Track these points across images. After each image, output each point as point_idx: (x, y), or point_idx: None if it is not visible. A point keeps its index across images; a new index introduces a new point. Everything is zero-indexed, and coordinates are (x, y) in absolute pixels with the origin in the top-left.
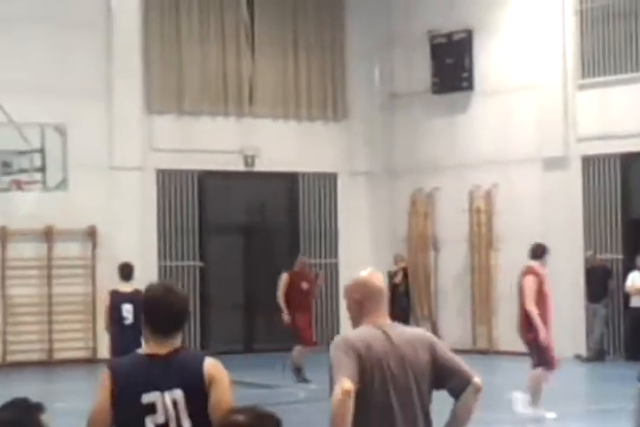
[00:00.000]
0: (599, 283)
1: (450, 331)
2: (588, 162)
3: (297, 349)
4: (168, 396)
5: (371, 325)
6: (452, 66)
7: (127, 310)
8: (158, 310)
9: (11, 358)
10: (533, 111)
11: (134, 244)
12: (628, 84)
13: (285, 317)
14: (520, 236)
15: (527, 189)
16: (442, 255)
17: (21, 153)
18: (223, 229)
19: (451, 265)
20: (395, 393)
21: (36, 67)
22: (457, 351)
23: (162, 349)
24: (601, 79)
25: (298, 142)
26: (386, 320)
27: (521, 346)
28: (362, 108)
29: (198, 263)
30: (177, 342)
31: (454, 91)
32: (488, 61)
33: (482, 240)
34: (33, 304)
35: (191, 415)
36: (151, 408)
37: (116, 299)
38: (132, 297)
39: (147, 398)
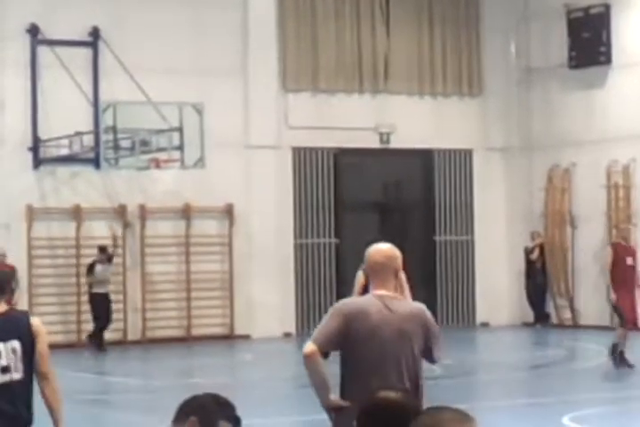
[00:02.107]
0: None
1: (587, 308)
2: None
3: (619, 330)
4: (9, 345)
5: (373, 295)
6: (589, 40)
7: None
8: None
9: (150, 334)
10: None
11: (270, 221)
12: None
13: (612, 295)
14: None
15: None
16: (579, 231)
17: (160, 132)
18: (358, 207)
19: (588, 241)
20: (388, 358)
21: (173, 46)
22: (596, 328)
23: None
24: None
25: (433, 119)
26: (388, 292)
27: None
28: (497, 83)
29: (334, 240)
30: (3, 303)
31: (591, 65)
32: (626, 35)
33: (620, 215)
34: (171, 281)
35: (24, 360)
36: None
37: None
38: None
39: None
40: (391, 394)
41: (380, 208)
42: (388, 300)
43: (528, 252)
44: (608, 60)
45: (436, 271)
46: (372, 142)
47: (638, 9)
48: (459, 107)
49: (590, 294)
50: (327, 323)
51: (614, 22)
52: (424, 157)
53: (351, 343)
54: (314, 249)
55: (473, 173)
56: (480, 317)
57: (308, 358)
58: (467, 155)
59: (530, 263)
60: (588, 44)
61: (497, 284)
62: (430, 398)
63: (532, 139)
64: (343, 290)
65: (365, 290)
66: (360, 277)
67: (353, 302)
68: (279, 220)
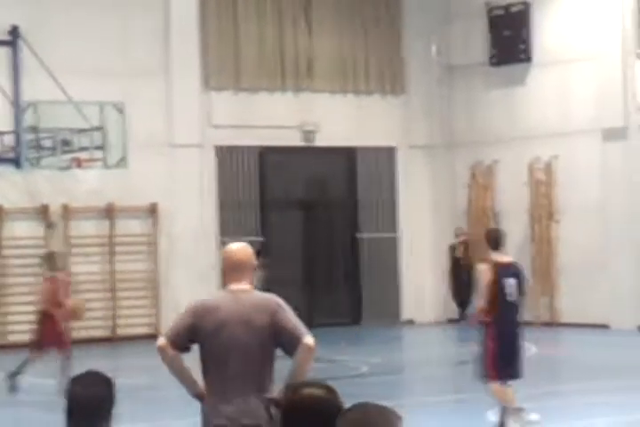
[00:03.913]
0: None
1: None
2: None
3: None
4: None
5: (227, 290)
6: (509, 38)
7: (510, 285)
8: None
9: (74, 334)
10: (592, 82)
11: (195, 220)
12: None
13: None
14: (580, 207)
15: (587, 159)
16: (502, 228)
17: (81, 131)
18: (283, 205)
19: (511, 237)
20: (234, 350)
21: (94, 46)
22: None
23: None
24: None
25: (356, 117)
26: (243, 286)
27: (583, 318)
28: (420, 81)
29: (259, 239)
30: None
31: (512, 63)
32: (546, 33)
33: (542, 212)
34: (96, 281)
35: None
36: None
37: (499, 271)
38: (513, 269)
39: None
40: (316, 390)
41: (304, 206)
42: (239, 293)
43: (452, 249)
44: (528, 58)
45: (360, 269)
46: (296, 140)
47: (557, 6)
48: (381, 105)
49: None
50: (179, 319)
51: (534, 20)
52: (348, 155)
53: (202, 337)
54: None
55: (396, 171)
56: (405, 314)
57: (159, 352)
58: (390, 152)
59: (454, 260)
60: (509, 41)
61: (422, 281)
62: (358, 395)
63: (455, 136)
64: (268, 287)
65: (495, 285)
66: (486, 271)
67: (207, 298)
68: (203, 219)
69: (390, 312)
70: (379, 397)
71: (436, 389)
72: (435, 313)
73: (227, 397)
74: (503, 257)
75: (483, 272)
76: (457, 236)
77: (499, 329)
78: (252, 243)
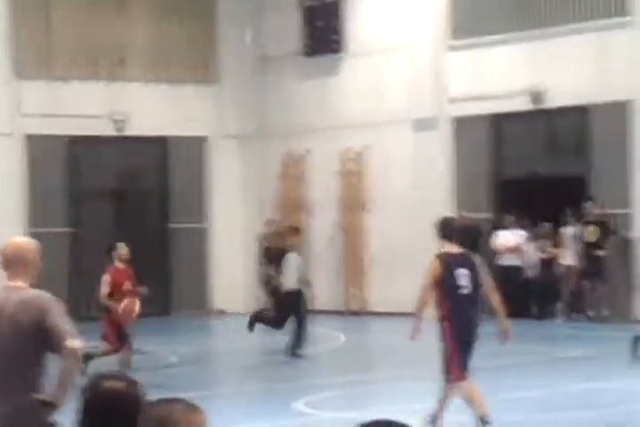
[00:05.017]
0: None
1: (322, 293)
2: (459, 123)
3: None
4: None
5: (3, 287)
6: (322, 28)
7: (462, 277)
8: None
9: None
10: (404, 73)
11: (2, 210)
12: (499, 45)
13: None
14: (391, 197)
15: (398, 150)
16: (314, 218)
17: None
18: (94, 195)
19: (323, 227)
20: (2, 349)
21: None
22: (330, 313)
23: None
24: (471, 40)
25: (169, 106)
26: (17, 283)
27: (391, 307)
28: (233, 71)
29: (69, 229)
30: None
31: (325, 53)
32: (358, 24)
33: (353, 202)
34: None
35: None
36: None
37: (450, 262)
38: (466, 260)
39: None
40: (116, 383)
41: (115, 196)
42: (12, 290)
43: (262, 239)
44: (341, 49)
45: (171, 259)
46: (107, 130)
47: None
48: (194, 94)
49: (325, 279)
50: None
51: (347, 11)
52: (159, 145)
53: None
54: (49, 238)
55: (209, 161)
56: (216, 304)
57: None
58: (202, 142)
59: (264, 250)
60: (322, 32)
61: (232, 271)
62: (165, 385)
63: (268, 126)
64: (79, 279)
65: (442, 280)
66: (434, 263)
67: None
68: (11, 209)
69: (201, 302)
70: (187, 387)
71: (244, 379)
72: (246, 303)
73: None
74: (453, 247)
75: (431, 264)
76: (268, 226)
77: (454, 325)
78: (291, 225)
